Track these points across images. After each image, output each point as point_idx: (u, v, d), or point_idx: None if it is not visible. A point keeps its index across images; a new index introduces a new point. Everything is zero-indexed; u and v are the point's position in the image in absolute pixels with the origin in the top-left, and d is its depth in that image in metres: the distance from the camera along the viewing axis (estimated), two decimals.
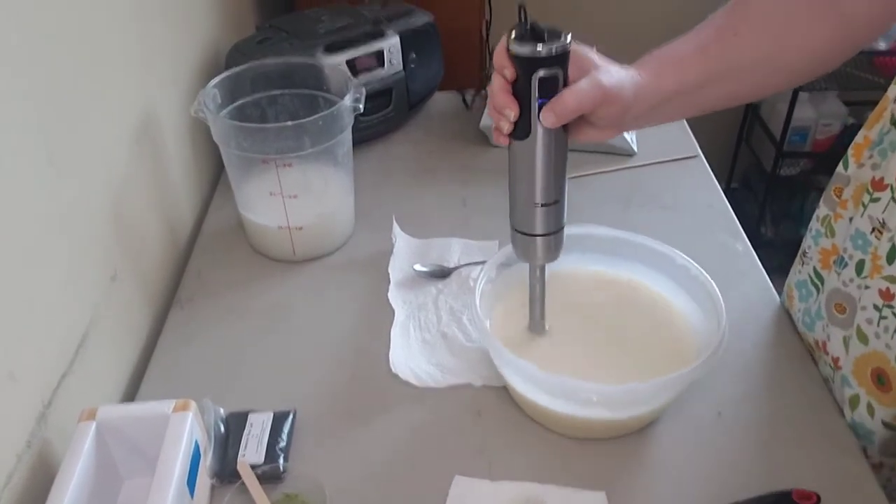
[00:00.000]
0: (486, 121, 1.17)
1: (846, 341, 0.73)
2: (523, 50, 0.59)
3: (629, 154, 1.14)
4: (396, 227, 0.98)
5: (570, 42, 0.59)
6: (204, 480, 0.67)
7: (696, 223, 1.01)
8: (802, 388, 0.78)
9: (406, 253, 0.96)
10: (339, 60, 1.07)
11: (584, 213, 0.99)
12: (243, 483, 0.66)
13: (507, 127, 0.63)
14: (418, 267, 0.93)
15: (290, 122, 0.87)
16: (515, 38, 0.59)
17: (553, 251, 0.70)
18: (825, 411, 0.75)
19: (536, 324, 0.77)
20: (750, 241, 0.98)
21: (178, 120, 1.00)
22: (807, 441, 0.73)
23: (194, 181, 1.07)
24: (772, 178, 2.16)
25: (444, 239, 0.99)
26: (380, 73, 1.13)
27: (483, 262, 0.82)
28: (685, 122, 1.24)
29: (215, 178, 1.14)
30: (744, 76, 0.65)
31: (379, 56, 1.12)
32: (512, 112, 0.61)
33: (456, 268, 0.93)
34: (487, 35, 1.53)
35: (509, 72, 0.60)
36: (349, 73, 1.07)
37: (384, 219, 1.00)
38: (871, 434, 0.71)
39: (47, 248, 0.67)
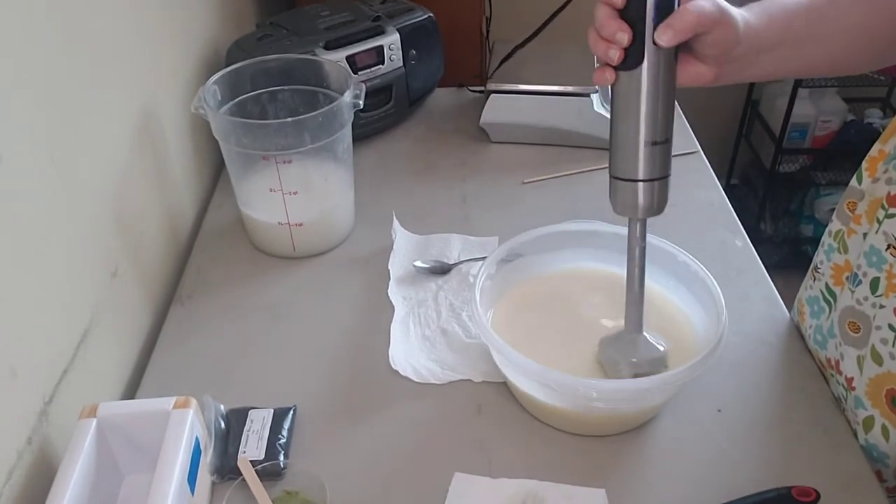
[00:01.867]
0: (486, 117, 1.17)
1: (860, 361, 0.71)
2: None
3: None
4: (396, 224, 0.98)
5: None
6: (204, 477, 0.67)
7: (696, 219, 1.01)
8: (802, 385, 0.78)
9: (406, 249, 0.96)
10: (339, 57, 1.07)
11: (584, 210, 0.99)
12: (244, 479, 0.66)
13: (617, 56, 0.58)
14: (418, 263, 0.93)
15: (290, 119, 0.87)
16: None
17: (657, 202, 0.64)
18: (824, 408, 0.76)
19: (633, 321, 0.72)
20: (749, 237, 0.98)
21: (178, 117, 1.00)
22: (806, 438, 0.73)
23: (194, 178, 1.07)
24: (771, 174, 2.16)
25: (444, 235, 0.99)
26: (380, 69, 1.13)
27: (483, 258, 0.82)
28: (684, 118, 1.24)
29: (215, 174, 1.14)
30: (846, 40, 0.64)
31: (379, 52, 1.12)
32: (626, 35, 0.57)
33: (456, 264, 0.94)
34: (487, 31, 1.52)
35: None
36: (349, 70, 1.07)
37: (384, 215, 1.00)
38: (885, 457, 0.70)
39: (48, 245, 0.68)
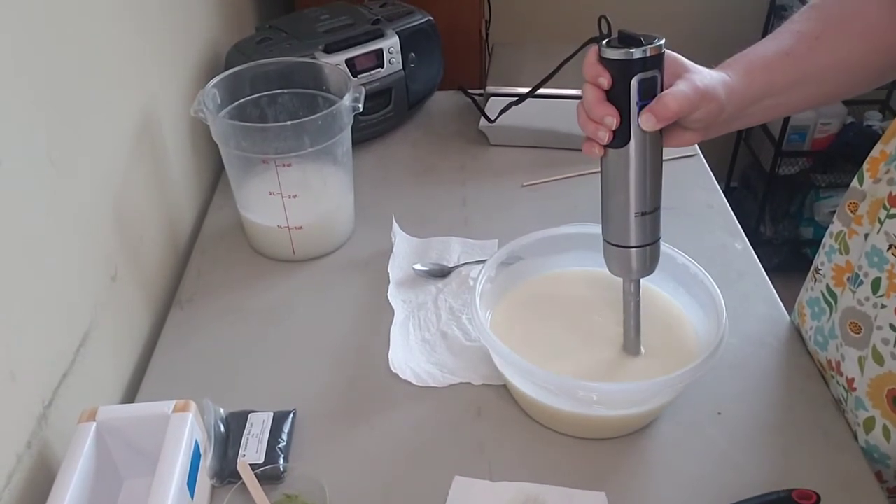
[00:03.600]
0: (485, 121, 1.17)
1: (861, 362, 0.71)
2: (622, 54, 0.59)
3: None
4: (396, 227, 0.98)
5: (664, 43, 0.59)
6: (204, 481, 0.67)
7: (696, 222, 1.01)
8: (802, 387, 0.78)
9: (406, 252, 0.96)
10: (338, 60, 1.07)
11: (583, 213, 0.99)
12: (243, 483, 0.66)
13: (606, 137, 0.62)
14: (418, 266, 0.93)
15: (289, 122, 0.87)
16: (608, 45, 0.59)
17: (650, 264, 0.69)
18: (825, 410, 0.75)
19: (632, 344, 0.75)
20: (749, 239, 0.99)
21: (178, 120, 1.00)
22: (807, 440, 0.73)
23: (194, 181, 1.07)
24: (771, 176, 2.17)
25: (444, 238, 0.99)
26: (379, 72, 1.13)
27: (483, 262, 0.82)
28: None
29: (215, 177, 1.14)
30: (830, 77, 0.65)
31: (378, 56, 1.12)
32: (614, 119, 0.60)
33: (455, 267, 0.94)
34: (487, 35, 1.53)
35: (605, 80, 0.60)
36: (349, 73, 1.07)
37: (384, 218, 1.00)
38: (886, 458, 0.70)
39: (47, 248, 0.67)
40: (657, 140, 0.63)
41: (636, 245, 0.67)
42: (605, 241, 0.69)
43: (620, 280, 0.82)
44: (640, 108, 0.60)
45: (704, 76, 0.61)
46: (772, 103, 0.65)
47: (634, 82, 0.59)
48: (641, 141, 0.62)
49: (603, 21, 0.60)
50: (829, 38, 0.64)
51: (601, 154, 0.64)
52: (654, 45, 0.59)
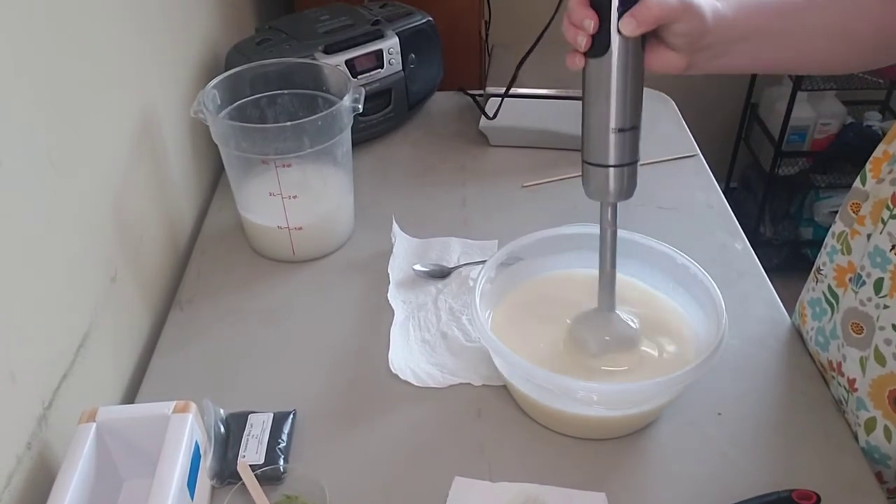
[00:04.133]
0: (485, 121, 1.17)
1: (863, 362, 0.71)
2: None
3: None
4: (396, 227, 0.98)
5: None
6: (204, 481, 0.67)
7: (696, 222, 1.01)
8: (802, 388, 0.78)
9: (406, 253, 0.96)
10: (338, 61, 1.07)
11: (583, 213, 0.98)
12: (243, 484, 0.66)
13: (584, 42, 0.61)
14: (418, 267, 0.93)
15: (289, 123, 0.87)
16: None
17: (627, 187, 0.67)
18: (825, 411, 0.75)
19: (607, 296, 0.74)
20: (749, 240, 0.99)
21: (177, 120, 1.00)
22: (807, 441, 0.73)
23: (194, 182, 1.07)
24: (771, 177, 2.17)
25: (444, 239, 0.99)
26: (379, 73, 1.13)
27: (483, 262, 0.82)
28: (683, 121, 1.24)
29: (215, 178, 1.14)
30: (813, 39, 0.64)
31: (378, 56, 1.12)
32: (592, 22, 0.60)
33: (455, 267, 0.94)
34: (486, 35, 1.53)
35: None
36: (348, 74, 1.07)
37: (384, 219, 1.00)
38: (886, 458, 0.70)
39: (47, 249, 0.67)
40: (638, 53, 0.62)
41: (614, 164, 0.66)
42: (583, 161, 0.68)
43: (620, 280, 0.82)
44: (621, 15, 0.60)
45: None
46: (757, 47, 0.64)
47: None
48: (623, 50, 0.61)
49: None
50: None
51: (582, 64, 0.63)
52: None
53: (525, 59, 1.07)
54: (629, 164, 0.66)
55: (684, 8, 0.60)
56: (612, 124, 0.64)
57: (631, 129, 0.64)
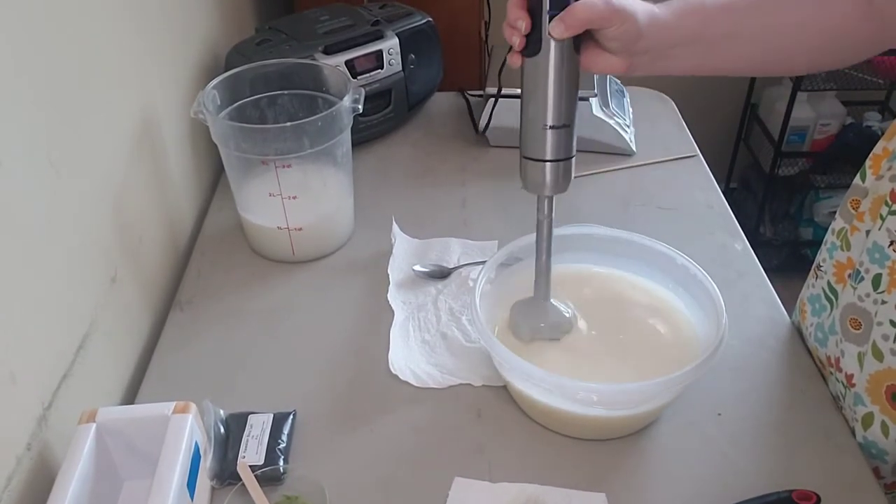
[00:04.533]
0: (485, 122, 1.17)
1: (861, 358, 0.71)
2: None
3: (628, 154, 1.14)
4: (396, 228, 0.98)
5: None
6: (204, 482, 0.67)
7: (696, 223, 1.01)
8: (802, 388, 0.78)
9: (405, 253, 0.96)
10: (338, 61, 1.07)
11: (583, 213, 0.99)
12: (243, 485, 0.66)
13: (518, 42, 0.64)
14: (418, 267, 0.93)
15: (289, 123, 0.87)
16: None
17: (562, 180, 0.70)
18: (825, 411, 0.75)
19: (542, 285, 0.77)
20: (749, 240, 0.99)
21: (177, 121, 1.00)
22: (807, 441, 0.73)
23: (194, 182, 1.07)
24: (770, 177, 2.17)
25: (444, 239, 0.99)
26: (379, 73, 1.13)
27: (483, 263, 0.82)
28: (683, 121, 1.24)
29: (215, 179, 1.14)
30: (762, 42, 0.65)
31: (378, 57, 1.12)
32: (523, 23, 0.62)
33: (455, 268, 0.94)
34: (486, 36, 1.52)
35: None
36: (348, 74, 1.07)
37: (383, 219, 1.00)
38: (883, 454, 0.70)
39: (47, 250, 0.67)
40: (572, 54, 0.65)
41: (550, 159, 0.68)
42: (521, 156, 0.71)
43: (620, 280, 0.82)
44: (552, 19, 0.62)
45: None
46: (699, 51, 0.66)
47: None
48: (557, 52, 0.64)
49: None
50: (773, 1, 0.64)
51: (518, 63, 0.66)
52: None
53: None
54: (564, 159, 0.69)
55: (613, 12, 0.61)
56: (548, 121, 0.67)
57: (564, 126, 0.67)
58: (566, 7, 0.62)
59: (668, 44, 0.65)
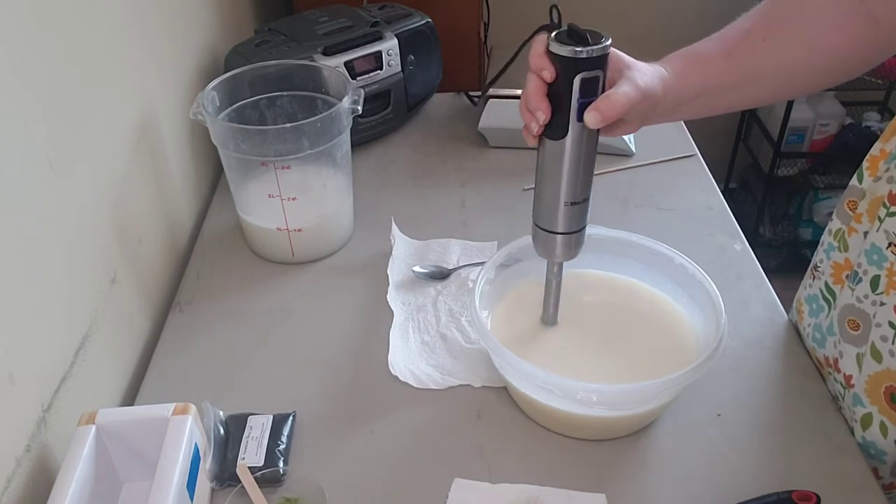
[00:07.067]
0: (484, 122, 1.17)
1: (859, 359, 0.71)
2: (568, 51, 0.59)
3: (627, 154, 1.14)
4: (395, 229, 0.98)
5: (610, 44, 0.60)
6: (203, 484, 0.67)
7: (695, 223, 1.01)
8: (802, 388, 0.78)
9: (405, 254, 0.96)
10: (337, 63, 1.07)
11: None
12: (243, 486, 0.65)
13: (536, 129, 0.64)
14: (417, 268, 0.93)
15: (288, 125, 0.87)
16: (556, 39, 0.60)
17: (573, 249, 0.71)
18: (825, 412, 0.75)
19: (550, 317, 0.79)
20: (748, 241, 0.99)
21: (177, 122, 1.00)
22: (807, 441, 0.73)
23: (193, 184, 1.07)
24: (770, 178, 2.17)
25: (443, 240, 0.99)
26: (378, 74, 1.13)
27: (482, 263, 0.82)
28: (682, 122, 1.24)
29: (214, 180, 1.14)
30: (769, 80, 0.66)
31: (377, 58, 1.12)
32: (544, 115, 0.62)
33: (455, 269, 0.94)
34: (485, 37, 1.53)
35: (549, 73, 0.61)
36: (348, 76, 1.07)
37: (383, 220, 1.00)
38: (882, 454, 0.70)
39: (47, 251, 0.67)
40: (593, 135, 0.64)
41: (563, 232, 0.69)
42: (534, 223, 0.71)
43: (619, 281, 0.82)
44: (580, 106, 0.61)
45: (645, 74, 0.63)
46: (708, 101, 0.67)
47: (577, 80, 0.60)
48: (579, 136, 0.63)
49: (554, 11, 0.61)
50: (775, 38, 0.65)
51: (535, 143, 0.66)
52: (600, 46, 0.59)
53: (511, 62, 1.08)
54: (577, 231, 0.70)
55: (644, 98, 0.62)
56: (564, 199, 0.67)
57: (582, 202, 0.68)
58: (593, 96, 0.61)
59: (679, 102, 0.66)
